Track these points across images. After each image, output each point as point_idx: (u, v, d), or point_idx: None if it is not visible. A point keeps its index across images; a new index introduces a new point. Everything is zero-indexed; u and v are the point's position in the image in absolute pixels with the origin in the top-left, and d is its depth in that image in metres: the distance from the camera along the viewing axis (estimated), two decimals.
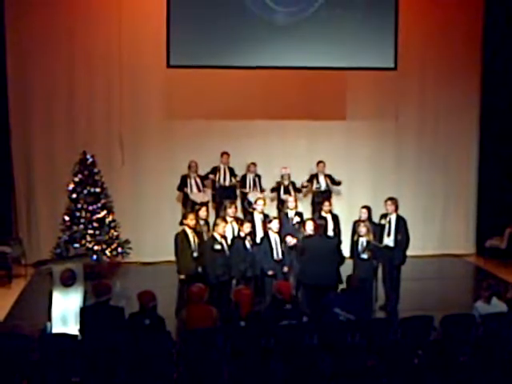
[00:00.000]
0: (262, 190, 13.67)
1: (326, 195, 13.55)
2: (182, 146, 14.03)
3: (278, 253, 10.44)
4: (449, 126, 14.89)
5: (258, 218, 11.52)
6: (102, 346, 7.56)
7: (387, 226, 11.12)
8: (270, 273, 10.28)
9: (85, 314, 8.42)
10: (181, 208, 13.56)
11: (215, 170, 13.70)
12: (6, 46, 13.46)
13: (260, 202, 11.67)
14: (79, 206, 12.73)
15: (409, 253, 11.36)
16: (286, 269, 10.38)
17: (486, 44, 14.70)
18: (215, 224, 10.57)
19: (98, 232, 12.74)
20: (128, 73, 13.85)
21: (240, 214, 13.01)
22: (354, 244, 10.80)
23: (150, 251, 13.94)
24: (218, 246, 10.22)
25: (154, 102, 14.07)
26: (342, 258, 10.40)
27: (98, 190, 12.90)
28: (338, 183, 13.97)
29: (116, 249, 12.97)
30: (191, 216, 10.83)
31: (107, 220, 12.94)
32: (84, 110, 13.93)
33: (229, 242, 10.55)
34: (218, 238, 10.31)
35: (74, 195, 12.77)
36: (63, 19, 13.52)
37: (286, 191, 13.51)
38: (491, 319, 8.42)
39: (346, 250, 11.18)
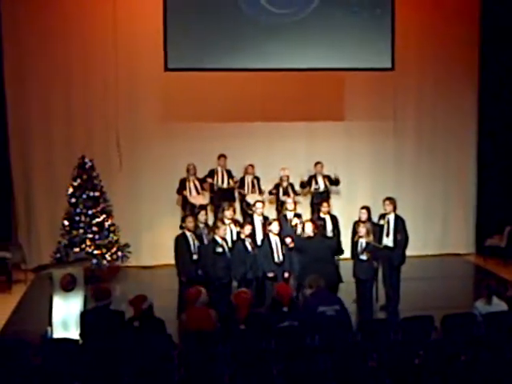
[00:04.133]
0: (260, 192, 13.67)
1: (325, 196, 13.55)
2: (180, 149, 14.00)
3: (278, 255, 10.45)
4: (447, 126, 14.89)
5: (257, 221, 11.51)
6: (102, 350, 7.56)
7: (386, 226, 11.12)
8: (271, 275, 10.29)
9: (85, 318, 8.43)
10: (180, 211, 13.56)
11: (213, 173, 13.69)
12: (3, 52, 13.49)
13: (259, 205, 11.65)
14: (78, 210, 12.71)
15: (409, 252, 11.37)
16: (286, 274, 10.37)
17: (484, 42, 14.70)
18: (216, 227, 10.60)
19: (97, 236, 12.73)
20: (125, 77, 13.84)
21: (239, 216, 13.02)
22: (354, 245, 10.81)
23: (150, 255, 13.93)
24: (219, 249, 10.24)
25: (151, 106, 14.08)
26: (341, 250, 10.39)
27: (97, 194, 12.89)
28: (337, 183, 13.91)
29: (116, 253, 12.96)
30: (190, 219, 10.86)
31: (106, 224, 12.93)
32: (82, 115, 13.92)
33: (229, 244, 10.57)
34: (219, 240, 10.33)
35: (73, 199, 12.75)
36: (59, 24, 13.53)
37: (285, 193, 13.51)
38: (492, 318, 8.43)
39: (346, 251, 11.17)
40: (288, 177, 13.71)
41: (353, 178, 14.55)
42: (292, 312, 8.30)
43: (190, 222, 10.75)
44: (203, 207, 12.67)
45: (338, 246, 10.45)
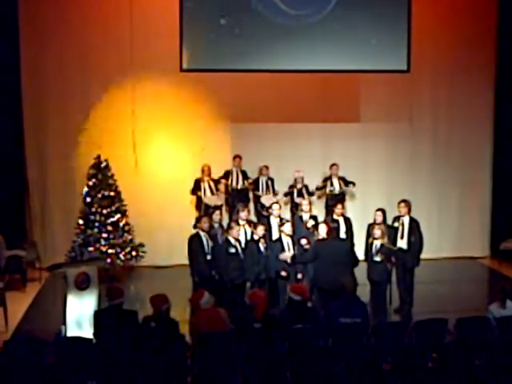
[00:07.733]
0: (274, 193, 13.66)
1: (340, 198, 13.53)
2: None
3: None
4: (463, 128, 14.83)
5: (274, 223, 11.46)
6: (116, 349, 7.58)
7: (400, 228, 11.10)
8: (284, 273, 10.27)
9: (99, 317, 8.45)
10: (194, 211, 13.58)
11: (228, 174, 13.71)
12: (21, 53, 13.54)
13: (276, 207, 11.60)
14: (93, 209, 12.75)
15: (423, 255, 11.33)
16: (300, 276, 10.35)
17: (500, 44, 14.64)
18: (229, 227, 10.59)
19: (112, 235, 12.76)
20: (141, 77, 13.87)
21: (253, 217, 13.02)
22: (367, 247, 10.78)
23: (164, 255, 13.95)
24: (232, 250, 10.25)
25: (166, 106, 14.09)
26: (356, 261, 10.37)
27: (112, 193, 12.92)
28: (353, 185, 13.91)
29: (130, 252, 12.99)
30: (205, 219, 10.87)
31: (121, 223, 12.96)
32: (98, 114, 13.96)
33: (242, 245, 10.57)
34: (233, 241, 10.33)
35: (89, 199, 12.79)
36: (75, 23, 13.58)
37: (299, 194, 13.49)
38: (506, 322, 8.39)
39: (359, 252, 11.14)
40: (302, 178, 13.70)
41: (368, 180, 14.51)
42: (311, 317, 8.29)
43: (204, 223, 10.75)
44: (217, 208, 12.68)
45: (353, 255, 10.39)
